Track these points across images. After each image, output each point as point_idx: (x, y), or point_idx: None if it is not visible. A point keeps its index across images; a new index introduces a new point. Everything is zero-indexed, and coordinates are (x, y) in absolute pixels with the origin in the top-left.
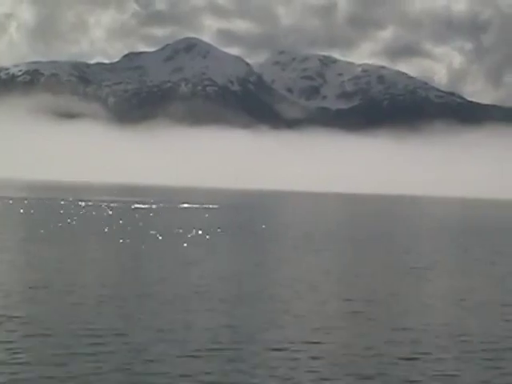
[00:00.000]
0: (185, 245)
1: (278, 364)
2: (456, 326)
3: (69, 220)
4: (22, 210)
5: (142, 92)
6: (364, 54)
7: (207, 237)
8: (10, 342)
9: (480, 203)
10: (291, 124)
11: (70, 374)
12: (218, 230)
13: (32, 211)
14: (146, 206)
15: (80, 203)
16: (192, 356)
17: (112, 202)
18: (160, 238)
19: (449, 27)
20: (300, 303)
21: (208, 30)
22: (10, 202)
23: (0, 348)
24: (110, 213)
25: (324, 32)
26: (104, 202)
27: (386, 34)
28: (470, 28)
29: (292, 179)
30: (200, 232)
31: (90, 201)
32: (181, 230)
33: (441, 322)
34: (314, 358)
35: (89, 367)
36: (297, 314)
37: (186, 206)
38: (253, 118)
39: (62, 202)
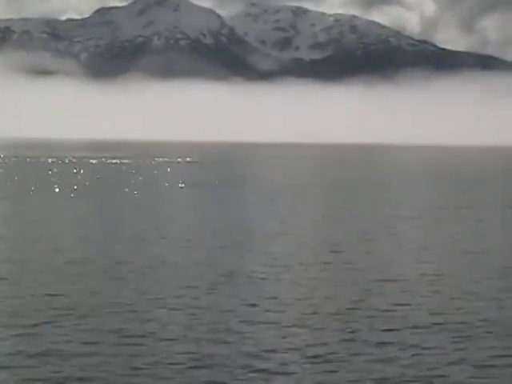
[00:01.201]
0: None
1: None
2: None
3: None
4: None
5: (114, 47)
6: (336, 4)
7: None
8: None
9: (455, 150)
10: (265, 75)
11: None
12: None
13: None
14: (124, 161)
15: (49, 160)
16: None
17: (88, 158)
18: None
19: None
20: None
21: None
22: None
23: None
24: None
25: None
26: (79, 157)
27: None
28: None
29: (267, 130)
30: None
31: (64, 157)
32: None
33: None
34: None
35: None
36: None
37: (161, 159)
38: (226, 71)
39: (36, 160)
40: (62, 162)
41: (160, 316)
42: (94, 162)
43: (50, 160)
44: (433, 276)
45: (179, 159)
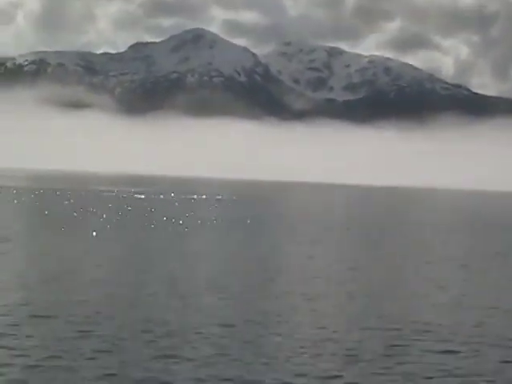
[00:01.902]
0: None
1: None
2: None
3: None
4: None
5: (148, 82)
6: (371, 46)
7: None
8: None
9: (487, 196)
10: (298, 115)
11: None
12: (219, 220)
13: (37, 202)
14: (160, 196)
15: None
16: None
17: (119, 192)
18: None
19: (456, 19)
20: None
21: (215, 20)
22: (14, 191)
23: None
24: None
25: (331, 23)
26: (111, 191)
27: (393, 26)
28: (477, 20)
29: (300, 170)
30: (213, 222)
31: (96, 190)
32: (199, 221)
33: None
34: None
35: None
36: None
37: (194, 196)
38: (259, 109)
39: (69, 193)
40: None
41: None
42: (135, 196)
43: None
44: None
45: (218, 196)
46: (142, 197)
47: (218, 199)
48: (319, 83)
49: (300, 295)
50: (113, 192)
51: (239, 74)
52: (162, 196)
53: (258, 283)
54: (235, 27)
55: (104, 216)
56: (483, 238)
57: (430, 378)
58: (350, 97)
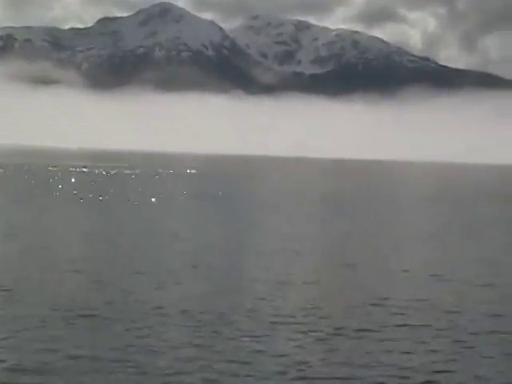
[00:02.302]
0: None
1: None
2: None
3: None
4: None
5: (115, 57)
6: (339, 19)
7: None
8: None
9: (455, 168)
10: (266, 89)
11: None
12: (187, 195)
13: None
14: (127, 171)
15: (51, 168)
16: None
17: (86, 167)
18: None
19: None
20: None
21: None
22: None
23: None
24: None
25: None
26: (80, 167)
27: None
28: None
29: (269, 144)
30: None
31: (62, 166)
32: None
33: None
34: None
35: None
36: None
37: (161, 171)
38: (228, 83)
39: (39, 168)
40: (67, 170)
41: None
42: (95, 171)
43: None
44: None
45: (187, 171)
46: (113, 172)
47: (187, 174)
48: (287, 57)
49: (269, 269)
50: (81, 168)
51: (207, 49)
52: (130, 171)
53: (226, 259)
54: (203, 1)
55: (75, 192)
56: (454, 211)
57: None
58: (317, 70)
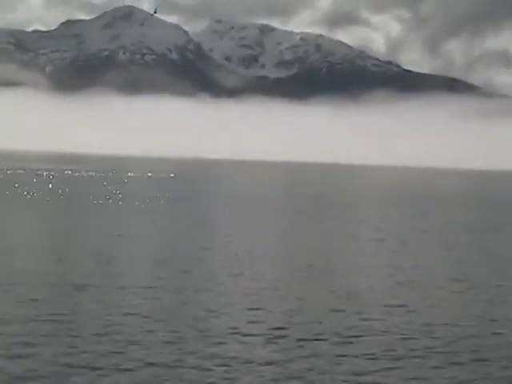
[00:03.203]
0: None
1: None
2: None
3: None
4: None
5: (79, 60)
6: (303, 23)
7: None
8: None
9: (419, 172)
10: (230, 92)
11: None
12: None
13: None
14: (90, 174)
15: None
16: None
17: (51, 171)
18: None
19: None
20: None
21: None
22: None
23: None
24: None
25: (262, 0)
26: (43, 170)
27: (325, 3)
28: None
29: (233, 148)
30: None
31: (27, 169)
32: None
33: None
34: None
35: None
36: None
37: (122, 174)
38: (191, 87)
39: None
40: (34, 173)
41: None
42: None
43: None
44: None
45: (149, 174)
46: (77, 175)
47: (149, 177)
48: (251, 60)
49: (227, 272)
50: (45, 171)
51: (171, 52)
52: (94, 174)
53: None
54: (167, 4)
55: (35, 195)
56: (415, 214)
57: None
58: (281, 74)
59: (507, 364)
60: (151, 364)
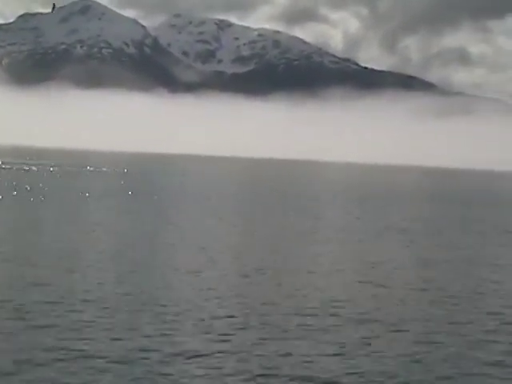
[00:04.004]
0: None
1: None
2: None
3: None
4: None
5: (36, 53)
6: (261, 19)
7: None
8: None
9: (376, 169)
10: (187, 87)
11: None
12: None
13: None
14: (49, 168)
15: None
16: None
17: (6, 164)
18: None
19: None
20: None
21: None
22: None
23: None
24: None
25: None
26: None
27: None
28: None
29: (190, 143)
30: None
31: None
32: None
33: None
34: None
35: None
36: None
37: (76, 169)
38: (149, 81)
39: None
40: None
41: None
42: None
43: None
44: None
45: (102, 169)
46: (34, 169)
47: (104, 171)
48: (208, 56)
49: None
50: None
51: (128, 46)
52: (51, 168)
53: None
54: None
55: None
56: (372, 211)
57: None
58: (238, 69)
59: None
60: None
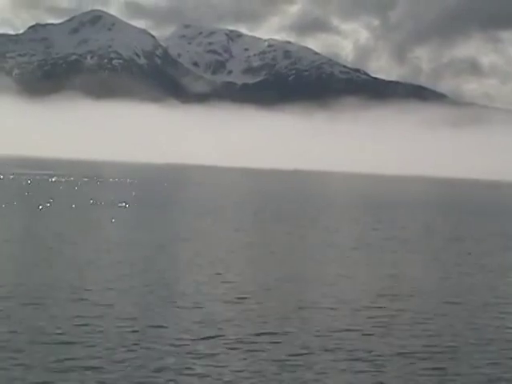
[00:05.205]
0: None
1: None
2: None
3: None
4: None
5: (47, 64)
6: (272, 29)
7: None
8: None
9: (387, 179)
10: (197, 98)
11: None
12: (125, 204)
13: None
14: (63, 179)
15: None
16: None
17: (18, 175)
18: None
19: (356, 3)
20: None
21: (114, 2)
22: None
23: None
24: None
25: (231, 6)
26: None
27: (294, 9)
28: (377, 4)
29: (201, 153)
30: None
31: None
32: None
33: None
34: None
35: None
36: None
37: (87, 179)
38: (159, 92)
39: None
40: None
41: None
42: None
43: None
44: None
45: (110, 179)
46: (42, 178)
47: (115, 182)
48: (218, 66)
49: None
50: (10, 175)
51: (139, 57)
52: (64, 179)
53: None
54: (135, 9)
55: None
56: (383, 221)
57: None
58: (248, 80)
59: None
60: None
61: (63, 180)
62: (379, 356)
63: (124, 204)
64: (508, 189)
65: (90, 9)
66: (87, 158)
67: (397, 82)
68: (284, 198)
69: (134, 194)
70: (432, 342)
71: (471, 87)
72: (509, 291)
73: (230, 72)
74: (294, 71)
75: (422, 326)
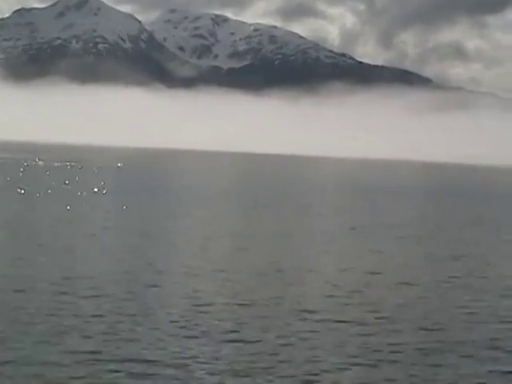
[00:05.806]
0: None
1: None
2: None
3: None
4: None
5: (32, 49)
6: (257, 14)
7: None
8: None
9: (374, 164)
10: (183, 82)
11: None
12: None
13: None
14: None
15: None
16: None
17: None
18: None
19: None
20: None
21: None
22: None
23: None
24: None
25: None
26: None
27: None
28: None
29: (186, 137)
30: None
31: None
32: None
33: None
34: None
35: None
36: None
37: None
38: (145, 76)
39: None
40: None
41: None
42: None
43: None
44: None
45: (99, 164)
46: (25, 164)
47: (99, 167)
48: (204, 51)
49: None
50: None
51: (124, 41)
52: (45, 163)
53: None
54: None
55: None
56: (371, 206)
57: None
58: (234, 64)
59: None
60: None
61: (47, 164)
62: (372, 346)
63: (103, 190)
64: (495, 172)
65: None
66: (73, 142)
67: (382, 67)
68: (270, 183)
69: (116, 178)
70: (421, 325)
71: (457, 72)
72: (501, 275)
73: (215, 56)
74: (279, 56)
75: (411, 312)
